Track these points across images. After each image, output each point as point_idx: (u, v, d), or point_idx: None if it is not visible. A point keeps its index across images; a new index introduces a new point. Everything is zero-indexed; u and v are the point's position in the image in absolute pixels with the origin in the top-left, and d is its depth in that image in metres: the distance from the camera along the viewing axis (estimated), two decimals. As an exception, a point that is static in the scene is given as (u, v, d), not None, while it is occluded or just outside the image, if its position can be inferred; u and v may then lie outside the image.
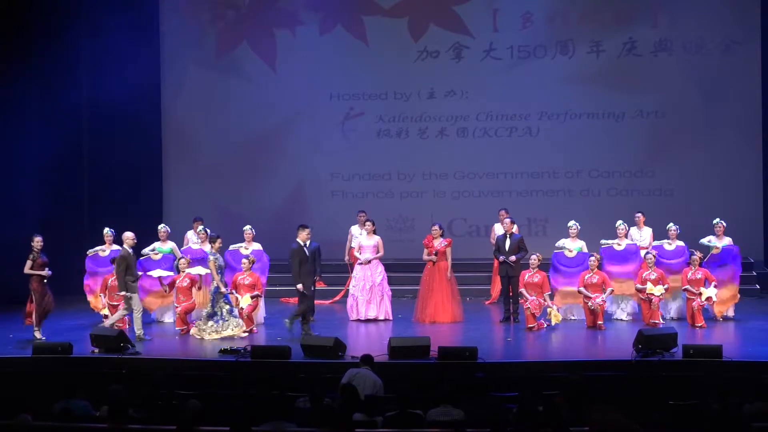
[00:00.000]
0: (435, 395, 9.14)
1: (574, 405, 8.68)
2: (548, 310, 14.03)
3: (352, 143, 19.05)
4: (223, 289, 13.66)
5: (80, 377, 10.99)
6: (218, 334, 13.54)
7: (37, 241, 13.91)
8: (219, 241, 13.96)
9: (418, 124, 18.96)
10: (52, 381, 10.84)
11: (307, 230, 13.87)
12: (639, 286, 14.21)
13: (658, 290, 14.02)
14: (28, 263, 13.79)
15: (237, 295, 14.35)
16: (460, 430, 8.10)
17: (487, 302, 16.38)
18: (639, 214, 15.48)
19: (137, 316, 13.61)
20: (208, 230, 15.51)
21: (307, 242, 13.79)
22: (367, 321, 14.87)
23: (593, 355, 12.49)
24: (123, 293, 13.57)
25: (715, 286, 14.12)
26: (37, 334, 13.61)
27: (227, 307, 13.71)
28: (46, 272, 13.81)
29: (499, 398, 9.72)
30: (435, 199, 18.89)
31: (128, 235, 13.88)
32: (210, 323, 13.62)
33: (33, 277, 13.77)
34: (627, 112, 18.51)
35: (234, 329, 13.63)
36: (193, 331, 13.77)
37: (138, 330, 13.51)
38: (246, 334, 13.67)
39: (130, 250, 13.84)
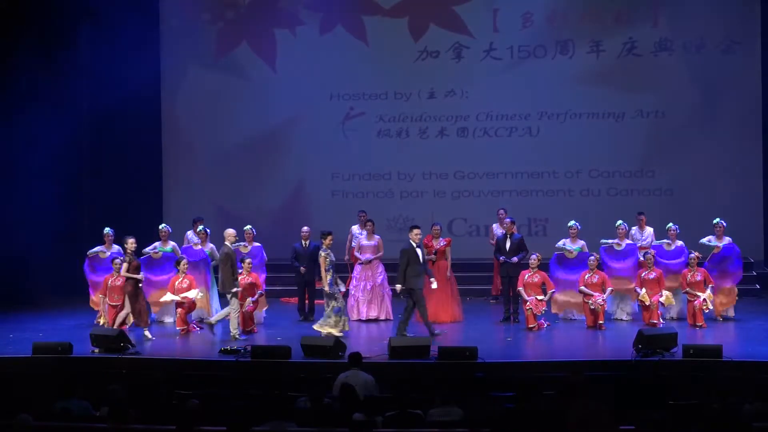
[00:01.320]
0: (435, 395, 9.13)
1: (573, 405, 8.67)
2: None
3: (352, 143, 19.05)
4: (327, 288, 13.50)
5: (80, 377, 10.98)
6: (321, 328, 13.45)
7: (131, 243, 13.82)
8: (330, 237, 13.76)
9: (418, 124, 18.97)
10: (52, 381, 10.82)
11: (416, 230, 13.65)
12: (637, 289, 14.22)
13: (665, 299, 14.04)
14: (124, 266, 13.72)
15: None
16: (476, 431, 8.09)
17: (492, 301, 16.38)
18: (641, 216, 15.49)
19: (234, 315, 13.60)
20: (208, 230, 15.51)
21: (419, 242, 13.62)
22: (368, 321, 14.87)
23: (593, 355, 12.48)
24: (232, 290, 13.58)
25: (711, 289, 14.12)
26: (147, 333, 13.64)
27: (335, 304, 13.54)
28: (140, 276, 13.77)
29: (499, 398, 9.72)
30: (435, 199, 18.90)
31: (230, 232, 13.89)
32: (335, 318, 13.51)
33: (128, 281, 13.69)
34: (627, 112, 18.51)
35: (333, 328, 13.44)
36: (320, 328, 13.57)
37: (234, 329, 13.50)
38: (341, 335, 13.33)
39: (233, 247, 13.82)
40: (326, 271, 13.53)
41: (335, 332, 13.28)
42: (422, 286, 13.56)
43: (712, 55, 18.23)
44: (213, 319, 13.82)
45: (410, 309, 13.54)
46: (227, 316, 13.73)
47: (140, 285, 13.83)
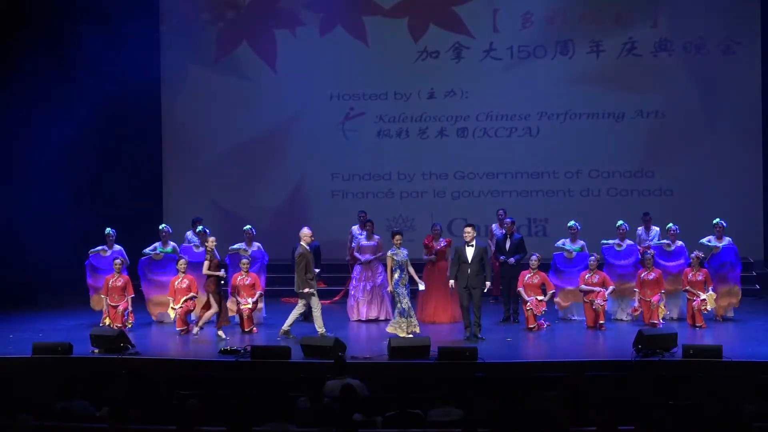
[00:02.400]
0: (435, 395, 9.13)
1: (573, 405, 8.69)
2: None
3: (352, 143, 19.05)
4: (390, 288, 13.45)
5: (80, 377, 10.98)
6: (392, 329, 13.36)
7: (211, 241, 13.83)
8: (398, 237, 13.64)
9: (418, 124, 18.97)
10: (52, 381, 10.83)
11: (467, 228, 13.49)
12: (637, 289, 14.22)
13: (662, 312, 14.05)
14: (206, 264, 13.70)
15: (238, 298, 14.32)
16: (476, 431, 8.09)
17: (492, 301, 16.36)
18: (647, 216, 15.49)
19: (317, 314, 13.48)
20: (207, 230, 15.50)
21: (469, 240, 13.38)
22: (368, 321, 14.87)
23: (593, 355, 12.49)
24: (305, 290, 13.50)
25: (712, 290, 14.12)
26: (221, 333, 13.55)
27: (399, 306, 13.45)
28: (221, 273, 13.72)
29: (499, 398, 9.72)
30: (435, 199, 18.90)
31: (306, 232, 13.75)
32: (399, 319, 13.43)
33: (210, 279, 13.66)
34: (627, 112, 18.51)
35: (399, 330, 13.33)
36: (389, 328, 13.52)
37: (319, 328, 13.30)
38: (410, 335, 13.23)
39: (308, 247, 13.69)
40: (392, 271, 13.48)
41: (402, 333, 13.23)
42: (464, 286, 13.35)
43: (712, 55, 18.23)
44: (285, 326, 13.57)
45: (478, 307, 13.40)
46: (317, 314, 13.60)
47: (222, 282, 13.75)
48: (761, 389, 9.32)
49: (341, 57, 18.86)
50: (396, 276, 13.49)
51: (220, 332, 13.59)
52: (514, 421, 8.36)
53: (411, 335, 13.22)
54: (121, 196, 18.32)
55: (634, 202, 17.89)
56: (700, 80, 18.28)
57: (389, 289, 13.54)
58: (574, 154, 18.64)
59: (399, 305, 13.44)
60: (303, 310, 13.72)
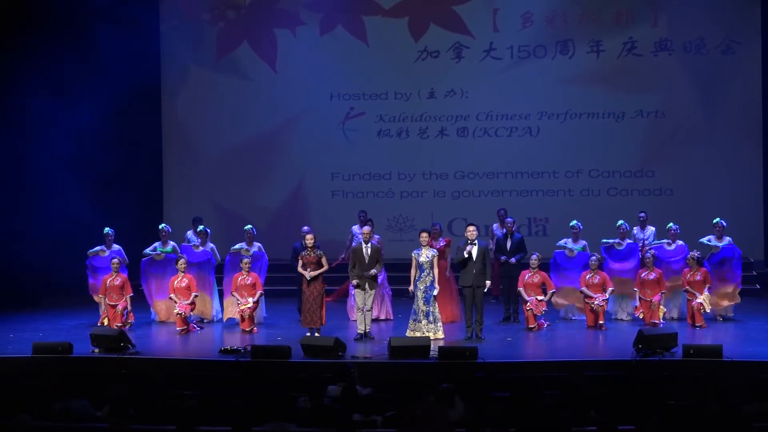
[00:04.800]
0: (435, 395, 9.12)
1: (573, 405, 8.69)
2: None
3: (352, 143, 19.06)
4: (411, 287, 13.39)
5: (80, 377, 10.98)
6: (420, 333, 13.25)
7: (309, 239, 13.76)
8: (423, 235, 13.49)
9: (418, 124, 18.98)
10: (52, 381, 10.82)
11: (469, 227, 13.57)
12: (637, 289, 14.22)
13: (662, 312, 14.03)
14: (300, 262, 13.69)
15: (237, 296, 14.31)
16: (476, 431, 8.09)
17: (492, 301, 16.35)
18: (643, 214, 15.49)
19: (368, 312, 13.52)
20: (208, 230, 15.50)
21: (472, 239, 13.36)
22: (367, 321, 14.85)
23: (593, 355, 12.49)
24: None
25: (709, 289, 14.11)
26: (309, 333, 13.45)
27: (424, 309, 13.34)
28: (307, 273, 13.62)
29: (499, 398, 9.72)
30: (435, 199, 18.91)
31: (365, 230, 13.82)
32: (411, 323, 13.38)
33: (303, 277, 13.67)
34: (627, 112, 18.53)
35: (415, 331, 13.26)
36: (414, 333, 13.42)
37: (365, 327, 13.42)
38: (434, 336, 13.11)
39: (362, 245, 13.63)
40: (416, 270, 13.40)
41: (418, 334, 13.14)
42: (469, 285, 13.35)
43: (712, 55, 18.24)
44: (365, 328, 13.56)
45: (480, 306, 13.37)
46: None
47: (308, 279, 13.59)
48: (761, 389, 9.31)
49: (341, 57, 18.87)
50: (415, 276, 13.44)
51: (317, 332, 13.48)
52: (515, 420, 8.35)
53: (436, 336, 13.14)
54: (121, 195, 18.29)
55: (634, 202, 17.89)
56: (700, 80, 18.29)
57: (410, 288, 13.51)
58: (574, 154, 18.66)
59: (427, 306, 13.40)
60: (369, 307, 13.60)
